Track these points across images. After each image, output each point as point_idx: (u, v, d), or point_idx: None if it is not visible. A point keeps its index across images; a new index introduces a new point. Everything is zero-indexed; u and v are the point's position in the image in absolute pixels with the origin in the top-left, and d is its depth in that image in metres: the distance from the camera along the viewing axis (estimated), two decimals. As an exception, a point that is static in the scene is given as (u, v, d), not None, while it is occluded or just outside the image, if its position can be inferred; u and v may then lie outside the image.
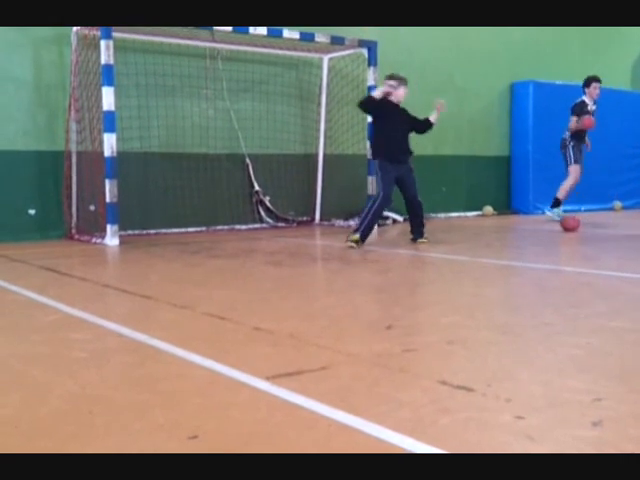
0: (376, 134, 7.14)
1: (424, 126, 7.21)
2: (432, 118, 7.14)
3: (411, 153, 7.19)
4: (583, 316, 3.63)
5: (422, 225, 7.19)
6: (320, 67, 9.93)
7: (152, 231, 8.36)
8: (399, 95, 6.95)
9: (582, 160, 9.27)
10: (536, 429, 2.01)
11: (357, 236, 6.67)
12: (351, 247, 6.64)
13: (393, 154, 6.95)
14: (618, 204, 12.63)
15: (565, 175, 9.25)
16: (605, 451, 1.85)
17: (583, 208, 9.84)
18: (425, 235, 7.16)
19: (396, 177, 6.93)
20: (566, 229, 8.33)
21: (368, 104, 6.97)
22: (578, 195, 11.25)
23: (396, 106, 7.02)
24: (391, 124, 6.94)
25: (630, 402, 2.26)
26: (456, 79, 11.23)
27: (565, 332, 3.25)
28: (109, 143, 7.25)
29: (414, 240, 7.16)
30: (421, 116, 7.17)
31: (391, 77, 6.99)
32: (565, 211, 9.61)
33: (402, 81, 6.98)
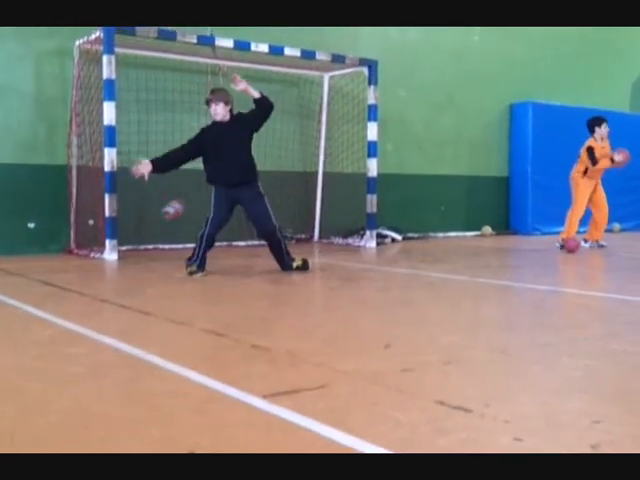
0: (204, 162, 6.24)
1: (259, 111, 6.11)
2: (254, 94, 6.02)
3: (255, 174, 6.20)
4: (582, 338, 3.62)
5: (286, 254, 6.27)
6: (321, 85, 9.97)
7: (150, 246, 8.34)
8: (216, 114, 6.06)
9: None
10: (534, 451, 1.99)
11: (193, 267, 5.94)
12: (193, 275, 5.92)
13: (224, 178, 6.08)
14: (617, 226, 12.63)
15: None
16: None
17: (582, 230, 9.85)
18: (294, 258, 6.27)
19: (237, 202, 6.20)
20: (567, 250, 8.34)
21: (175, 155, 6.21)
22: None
23: (226, 123, 6.09)
24: (217, 147, 6.05)
25: (628, 424, 2.24)
26: (456, 99, 11.28)
27: (564, 353, 3.24)
28: (109, 158, 7.26)
29: (287, 268, 6.20)
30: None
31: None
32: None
33: (214, 98, 6.07)
